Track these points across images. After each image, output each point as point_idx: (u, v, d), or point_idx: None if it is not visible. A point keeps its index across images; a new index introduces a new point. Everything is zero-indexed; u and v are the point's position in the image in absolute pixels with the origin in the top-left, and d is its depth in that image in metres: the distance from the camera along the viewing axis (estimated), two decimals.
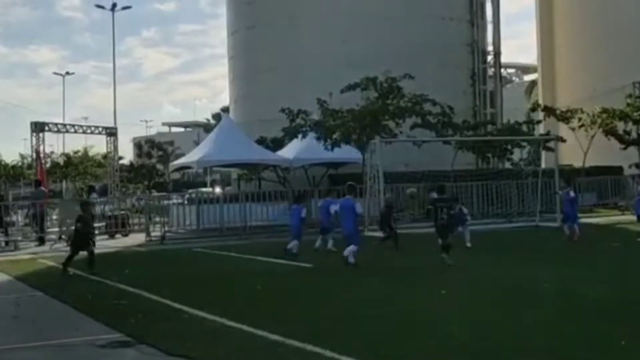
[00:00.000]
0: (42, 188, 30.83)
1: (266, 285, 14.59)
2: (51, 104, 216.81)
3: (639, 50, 41.75)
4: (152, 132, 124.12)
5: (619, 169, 36.44)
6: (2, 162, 64.40)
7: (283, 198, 29.85)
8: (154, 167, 77.70)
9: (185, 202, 31.81)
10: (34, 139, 33.21)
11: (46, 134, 34.02)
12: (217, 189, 43.22)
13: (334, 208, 19.63)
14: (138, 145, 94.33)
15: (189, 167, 39.78)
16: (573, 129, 35.41)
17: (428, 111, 31.08)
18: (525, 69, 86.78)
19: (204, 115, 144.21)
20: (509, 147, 34.95)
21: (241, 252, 21.17)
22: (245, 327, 10.36)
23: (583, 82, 45.53)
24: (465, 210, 20.71)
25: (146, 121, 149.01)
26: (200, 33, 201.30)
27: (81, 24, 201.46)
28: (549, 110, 38.41)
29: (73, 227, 18.69)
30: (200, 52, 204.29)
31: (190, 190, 40.28)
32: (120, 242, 27.10)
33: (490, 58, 44.41)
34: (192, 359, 8.94)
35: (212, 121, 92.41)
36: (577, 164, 36.05)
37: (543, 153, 36.66)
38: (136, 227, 30.31)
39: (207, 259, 20.70)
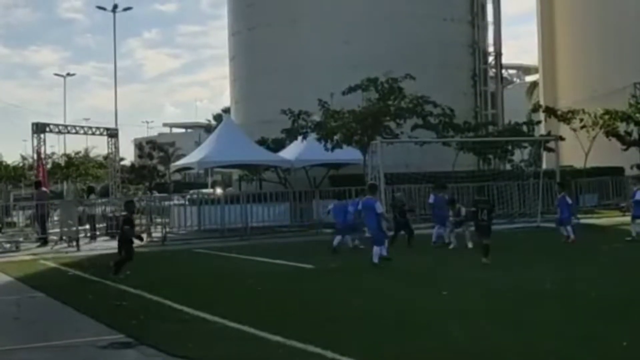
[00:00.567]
0: (44, 189, 30.84)
1: (267, 286, 14.60)
2: (52, 105, 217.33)
3: (638, 51, 41.76)
4: (153, 133, 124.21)
5: (620, 170, 36.42)
6: (3, 163, 64.39)
7: (284, 199, 29.87)
8: (155, 168, 77.77)
9: (186, 203, 31.81)
10: (35, 140, 33.22)
11: (47, 135, 34.05)
12: (218, 190, 43.18)
13: (352, 208, 20.33)
14: (139, 146, 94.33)
15: (190, 168, 39.79)
16: (574, 130, 35.39)
17: (429, 112, 31.07)
18: (526, 70, 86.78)
19: (205, 116, 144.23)
20: (510, 148, 34.93)
21: (242, 253, 21.18)
22: (246, 328, 10.36)
23: (584, 83, 45.52)
24: (463, 211, 20.72)
25: (147, 122, 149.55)
26: (201, 34, 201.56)
27: (82, 25, 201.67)
28: (550, 111, 38.39)
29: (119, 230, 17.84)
30: (201, 53, 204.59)
31: (191, 191, 40.28)
32: None
33: (491, 59, 44.40)
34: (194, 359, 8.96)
35: (213, 122, 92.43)
36: (578, 164, 36.02)
37: (544, 154, 36.69)
38: (137, 228, 30.20)
39: (208, 260, 20.71)
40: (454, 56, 41.42)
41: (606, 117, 35.33)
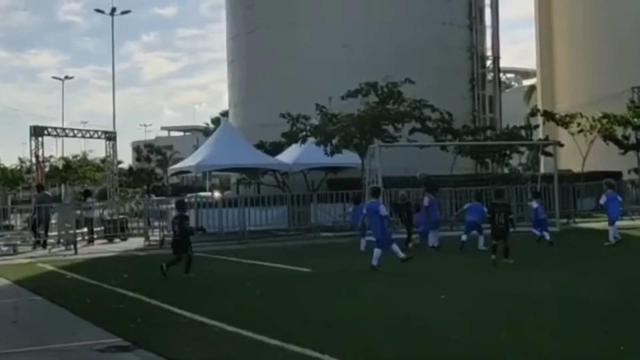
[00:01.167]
0: (47, 192, 30.88)
1: (265, 290, 14.58)
2: (51, 108, 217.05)
3: (637, 56, 41.83)
4: (152, 136, 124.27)
5: (618, 174, 36.44)
6: (2, 166, 64.40)
7: (282, 202, 29.89)
8: (152, 171, 77.70)
9: None
10: (33, 143, 33.20)
11: (45, 138, 34.00)
12: (216, 193, 43.17)
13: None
14: (137, 149, 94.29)
15: (187, 172, 39.76)
16: (572, 134, 35.42)
17: (427, 116, 31.11)
18: (524, 74, 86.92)
19: (203, 119, 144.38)
20: (508, 152, 34.96)
21: (240, 257, 21.17)
22: (244, 332, 10.35)
23: (582, 88, 45.63)
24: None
25: (145, 125, 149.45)
26: (200, 37, 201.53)
27: (81, 29, 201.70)
28: (548, 115, 38.44)
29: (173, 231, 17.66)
30: (200, 56, 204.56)
31: (189, 195, 40.21)
32: (118, 246, 27.08)
33: (489, 63, 44.46)
34: None
35: (212, 125, 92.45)
36: (576, 168, 36.05)
37: (542, 158, 36.70)
38: (135, 232, 30.31)
39: (205, 264, 20.61)
40: (453, 60, 41.48)
41: (604, 121, 35.36)
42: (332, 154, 30.51)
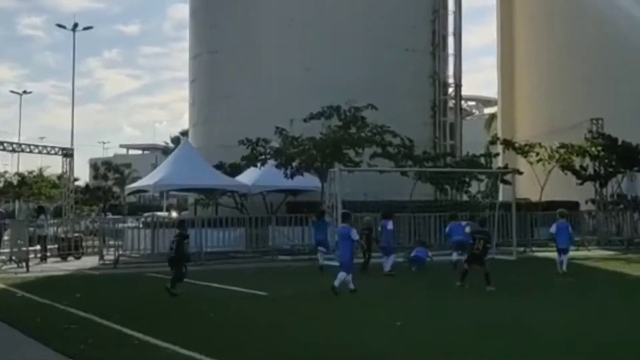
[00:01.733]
0: (0, 210, 30.32)
1: (220, 313, 14.38)
2: (7, 123, 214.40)
3: (596, 87, 42.49)
4: (110, 153, 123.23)
5: (575, 205, 36.79)
6: None
7: (240, 224, 29.65)
8: (109, 189, 76.82)
9: (141, 225, 31.37)
10: None
11: (0, 152, 33.46)
12: (174, 214, 42.76)
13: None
14: (94, 166, 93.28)
15: (145, 191, 39.33)
16: (531, 163, 35.69)
17: (389, 142, 31.17)
18: (485, 102, 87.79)
19: (163, 138, 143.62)
20: (467, 179, 35.12)
21: (196, 279, 20.82)
22: (197, 355, 10.16)
23: (542, 117, 46.15)
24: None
25: (103, 142, 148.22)
26: (163, 56, 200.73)
27: (42, 43, 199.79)
28: (508, 144, 38.70)
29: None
30: (161, 74, 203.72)
31: (145, 214, 39.76)
32: (72, 265, 26.61)
33: (451, 90, 44.78)
34: None
35: (171, 144, 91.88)
36: (534, 198, 36.30)
37: (501, 186, 36.91)
38: (89, 250, 29.80)
39: (160, 285, 20.28)
40: (415, 86, 41.72)
41: (562, 151, 35.70)
42: (292, 176, 30.40)
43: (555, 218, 23.91)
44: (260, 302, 16.42)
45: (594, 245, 32.41)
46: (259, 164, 32.36)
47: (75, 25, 63.71)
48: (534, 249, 30.52)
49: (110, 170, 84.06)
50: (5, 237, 28.72)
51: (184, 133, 63.15)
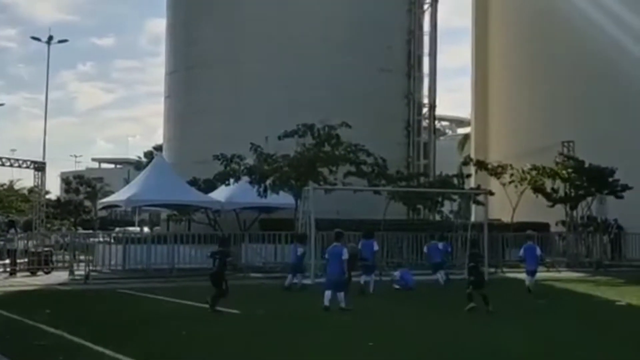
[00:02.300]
0: None
1: (191, 330, 14.29)
2: None
3: (569, 110, 42.90)
4: (82, 167, 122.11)
5: (546, 226, 37.08)
6: None
7: (212, 241, 29.51)
8: (81, 203, 76.13)
9: (112, 240, 31.19)
10: None
11: None
12: (145, 229, 42.52)
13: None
14: (66, 180, 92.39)
15: (117, 206, 39.09)
16: (503, 185, 35.97)
17: (363, 161, 31.28)
18: (459, 123, 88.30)
19: (136, 152, 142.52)
20: (440, 199, 35.29)
21: (167, 295, 20.76)
22: None
23: (515, 139, 46.47)
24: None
25: (75, 156, 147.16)
26: (137, 70, 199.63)
27: (16, 55, 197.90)
28: (481, 165, 38.97)
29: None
30: (136, 89, 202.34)
31: (117, 229, 39.53)
32: (42, 280, 26.35)
33: (425, 110, 45.02)
34: None
35: (144, 159, 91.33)
36: (506, 219, 36.54)
37: (473, 207, 37.19)
38: (59, 265, 29.53)
39: (131, 301, 20.23)
40: (390, 106, 41.93)
41: (534, 173, 36.03)
42: (265, 194, 30.39)
43: (525, 240, 24.25)
44: (232, 321, 16.34)
45: (564, 267, 32.65)
46: (231, 180, 32.31)
47: (50, 37, 63.40)
48: (504, 269, 30.67)
49: (82, 184, 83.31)
50: None
51: (158, 148, 62.84)
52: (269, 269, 28.18)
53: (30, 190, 45.21)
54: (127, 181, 55.78)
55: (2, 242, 27.65)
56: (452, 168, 40.04)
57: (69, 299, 20.88)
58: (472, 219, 36.48)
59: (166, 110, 46.29)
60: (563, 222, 37.40)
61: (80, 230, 43.22)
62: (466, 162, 42.81)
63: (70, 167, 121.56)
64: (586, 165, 36.29)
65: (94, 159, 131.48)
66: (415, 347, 12.81)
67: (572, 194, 36.49)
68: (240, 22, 41.51)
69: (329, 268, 18.26)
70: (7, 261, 27.88)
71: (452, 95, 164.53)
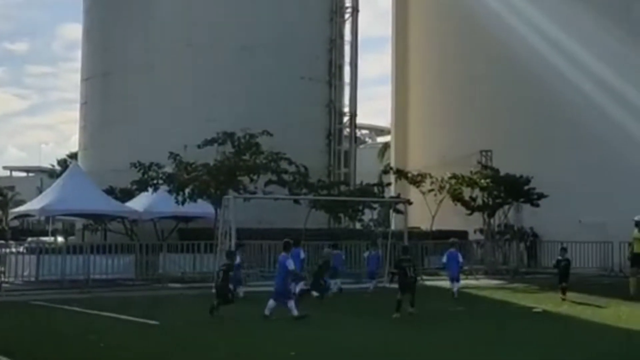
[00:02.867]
0: None
1: (110, 343, 13.90)
2: None
3: (487, 119, 43.47)
4: None
5: (464, 234, 37.52)
6: None
7: (129, 251, 28.97)
8: None
9: (24, 251, 30.26)
10: None
11: None
12: (59, 239, 41.41)
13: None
14: None
15: (30, 215, 38.01)
16: (423, 193, 36.24)
17: (284, 169, 31.13)
18: (379, 131, 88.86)
19: (50, 160, 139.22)
20: (361, 207, 35.36)
21: (83, 307, 20.16)
22: None
23: (434, 148, 46.86)
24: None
25: None
26: (51, 76, 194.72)
27: None
28: (400, 174, 39.21)
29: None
30: (49, 95, 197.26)
31: (29, 239, 38.43)
32: None
33: (346, 119, 45.14)
34: None
35: (58, 167, 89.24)
36: (425, 227, 36.83)
37: (393, 215, 37.38)
38: None
39: (46, 313, 19.58)
40: (311, 114, 41.85)
41: (452, 181, 36.43)
42: (183, 203, 29.98)
43: (446, 247, 24.49)
44: (151, 332, 15.98)
45: (482, 275, 33.07)
46: (150, 189, 31.78)
47: None
48: (424, 277, 30.83)
49: None
50: None
51: (72, 156, 61.58)
52: (188, 279, 27.73)
53: None
54: (40, 190, 54.37)
55: None
56: (372, 177, 40.15)
57: None
58: (392, 227, 36.62)
59: (82, 117, 45.25)
60: (481, 230, 37.91)
61: None
62: (386, 171, 43.06)
63: None
64: (502, 174, 36.89)
65: (5, 167, 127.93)
66: (335, 354, 12.69)
67: (490, 203, 37.03)
68: (157, 28, 40.85)
69: (275, 278, 18.28)
70: None
71: (373, 104, 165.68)
